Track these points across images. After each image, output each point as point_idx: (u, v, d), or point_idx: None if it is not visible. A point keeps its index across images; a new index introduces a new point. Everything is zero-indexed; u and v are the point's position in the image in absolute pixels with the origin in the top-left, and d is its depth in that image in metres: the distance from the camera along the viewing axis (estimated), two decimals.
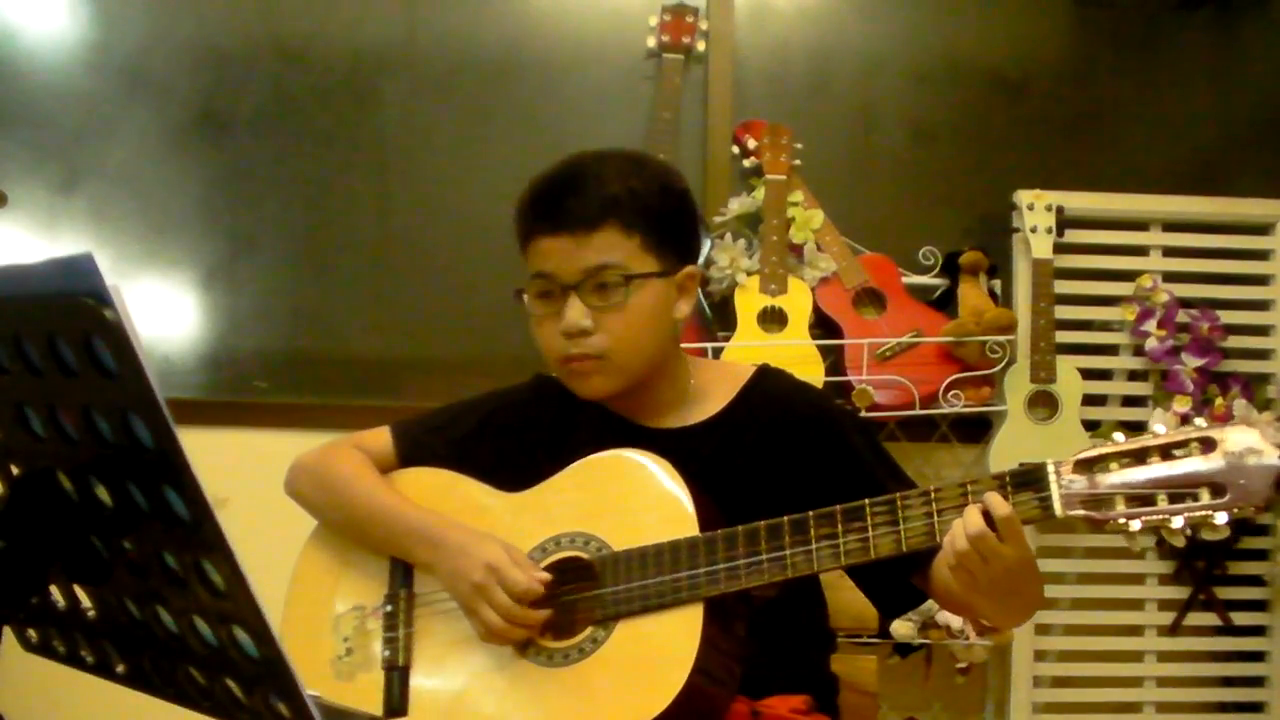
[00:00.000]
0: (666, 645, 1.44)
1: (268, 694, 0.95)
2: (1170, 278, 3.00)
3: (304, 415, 2.85)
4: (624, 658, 1.47)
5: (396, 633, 1.61)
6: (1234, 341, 2.98)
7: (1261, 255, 3.05)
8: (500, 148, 3.02)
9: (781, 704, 1.57)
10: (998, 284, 2.93)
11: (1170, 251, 3.03)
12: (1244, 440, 1.28)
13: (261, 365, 2.98)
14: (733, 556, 1.46)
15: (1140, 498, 1.31)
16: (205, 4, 3.01)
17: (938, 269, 2.96)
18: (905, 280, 2.94)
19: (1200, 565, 2.95)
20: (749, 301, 2.80)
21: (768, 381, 1.72)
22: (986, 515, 1.36)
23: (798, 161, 2.93)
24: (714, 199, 2.96)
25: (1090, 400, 2.92)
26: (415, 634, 1.61)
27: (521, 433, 1.74)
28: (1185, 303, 2.97)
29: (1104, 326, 3.01)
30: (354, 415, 2.80)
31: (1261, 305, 3.05)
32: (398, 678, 1.59)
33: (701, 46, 3.01)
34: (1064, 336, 2.91)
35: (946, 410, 2.83)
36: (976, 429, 2.95)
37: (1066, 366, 2.88)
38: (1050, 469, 1.36)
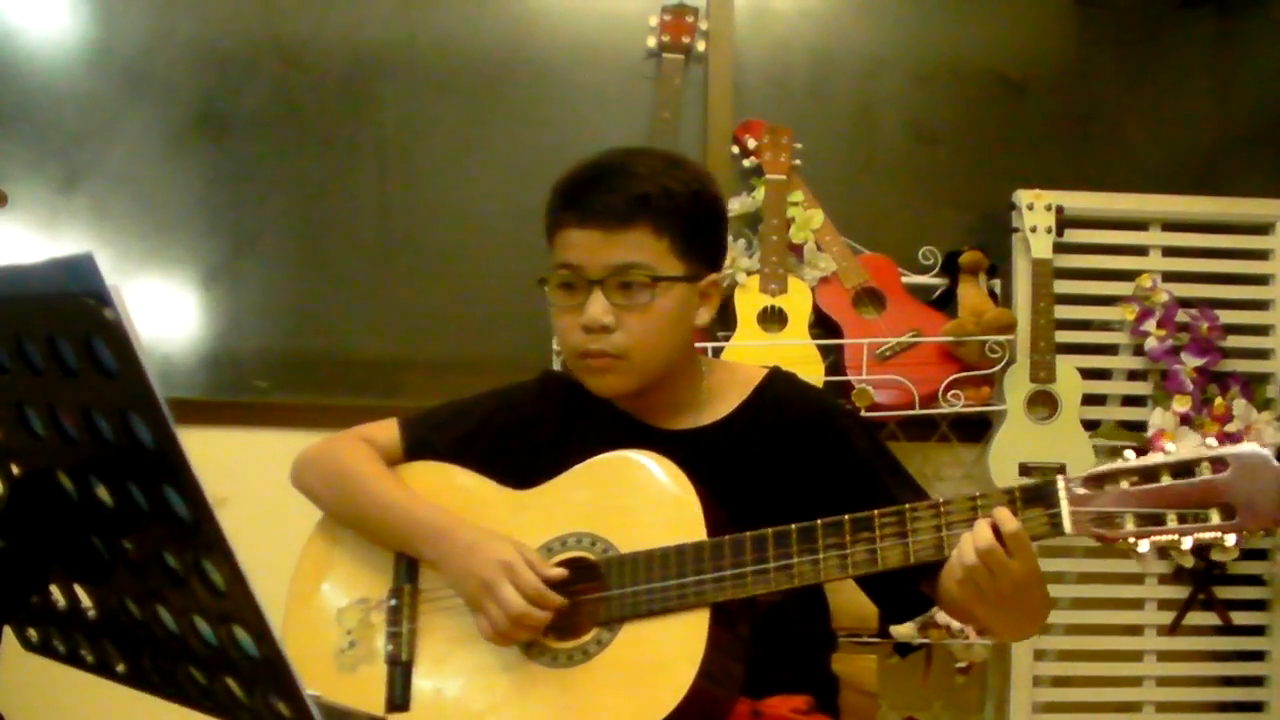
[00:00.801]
0: (672, 649, 1.44)
1: (268, 694, 0.95)
2: (1170, 278, 3.00)
3: (304, 415, 2.84)
4: (629, 661, 1.46)
5: (400, 627, 1.61)
6: (1234, 341, 2.98)
7: (1261, 255, 3.05)
8: (500, 148, 3.02)
9: (783, 704, 1.57)
10: (998, 284, 2.93)
11: (1170, 251, 3.03)
12: (1255, 459, 1.27)
13: (261, 365, 2.98)
14: (740, 563, 1.46)
15: (1150, 517, 1.31)
16: (206, 4, 3.01)
17: (938, 269, 2.96)
18: (905, 280, 2.94)
19: (1200, 565, 2.95)
20: (749, 301, 2.80)
21: (778, 385, 1.71)
22: (995, 530, 1.35)
23: (798, 161, 2.93)
24: None
25: (1090, 400, 2.92)
26: (419, 629, 1.61)
27: (528, 430, 1.73)
28: (1185, 302, 2.97)
29: (1104, 326, 3.01)
30: (354, 415, 2.77)
31: (1261, 305, 3.05)
32: (400, 673, 1.59)
33: (701, 46, 3.01)
34: (1064, 336, 2.91)
35: (946, 410, 2.83)
36: (976, 429, 2.95)
37: (1066, 366, 2.88)
38: (1060, 485, 1.35)
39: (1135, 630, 3.00)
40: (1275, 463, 1.28)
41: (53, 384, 0.93)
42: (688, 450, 1.58)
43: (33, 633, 1.16)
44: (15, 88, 2.95)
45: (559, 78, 3.05)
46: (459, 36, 3.05)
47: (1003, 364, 2.83)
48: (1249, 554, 2.99)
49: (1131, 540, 1.32)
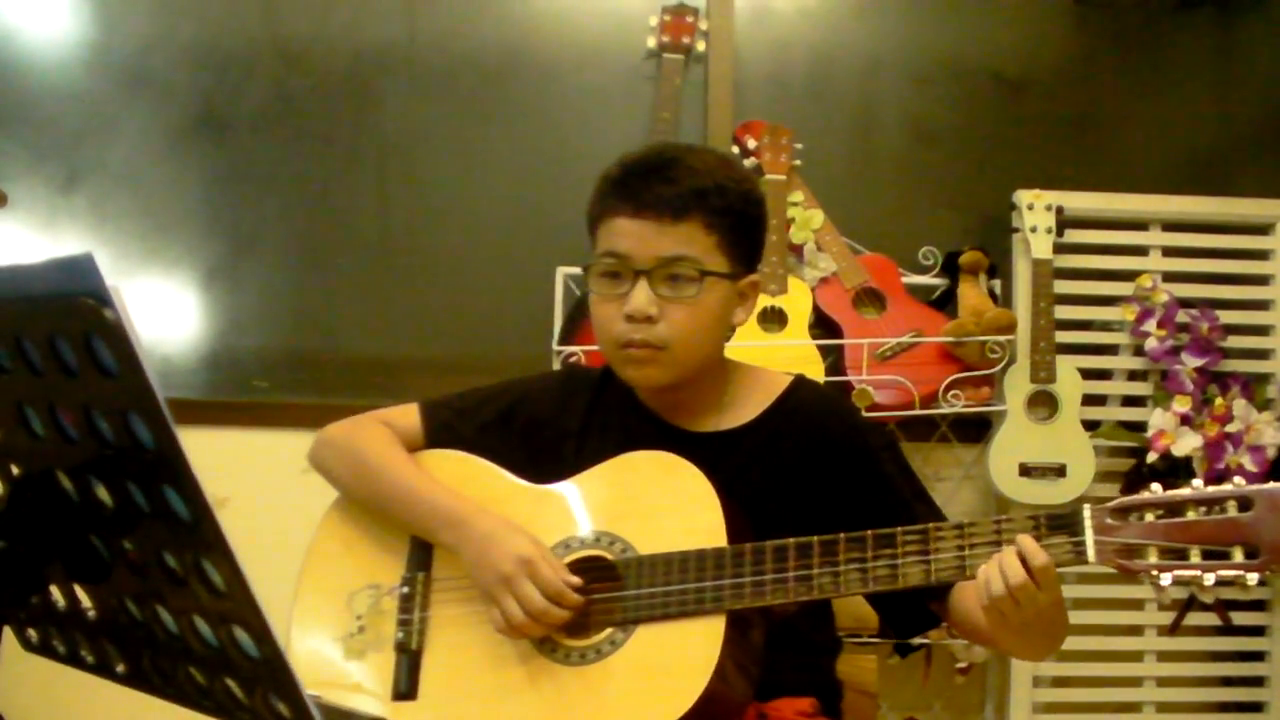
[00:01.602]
0: (686, 653, 1.43)
1: (268, 694, 0.95)
2: (1170, 278, 2.99)
3: (304, 415, 2.83)
4: (642, 662, 1.46)
5: (411, 615, 1.60)
6: (1234, 341, 2.98)
7: (1261, 255, 3.05)
8: (500, 148, 3.02)
9: (788, 707, 1.57)
10: (998, 284, 2.93)
11: (1170, 251, 3.03)
12: None
13: (261, 365, 2.98)
14: (760, 571, 1.45)
15: (1174, 551, 1.30)
16: (206, 4, 3.02)
17: (938, 269, 2.96)
18: (905, 280, 2.94)
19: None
20: None
21: (802, 393, 1.70)
22: (1023, 561, 1.34)
23: (798, 162, 2.93)
24: None
25: (1090, 400, 2.92)
26: (430, 618, 1.60)
27: (550, 424, 1.72)
28: (1185, 303, 2.96)
29: (1104, 326, 3.01)
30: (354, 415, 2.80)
31: (1261, 305, 3.05)
32: (409, 661, 1.58)
33: (701, 47, 3.01)
34: (1064, 336, 2.91)
35: (946, 410, 2.83)
36: (976, 429, 2.95)
37: (1066, 366, 2.87)
38: (1086, 514, 1.35)
39: (1135, 630, 3.00)
40: None
41: (53, 384, 0.93)
42: (709, 452, 1.58)
43: (33, 633, 1.16)
44: (15, 88, 2.95)
45: (559, 78, 3.05)
46: (459, 36, 3.05)
47: (1003, 364, 2.83)
48: (1249, 555, 2.99)
49: (1155, 574, 1.31)
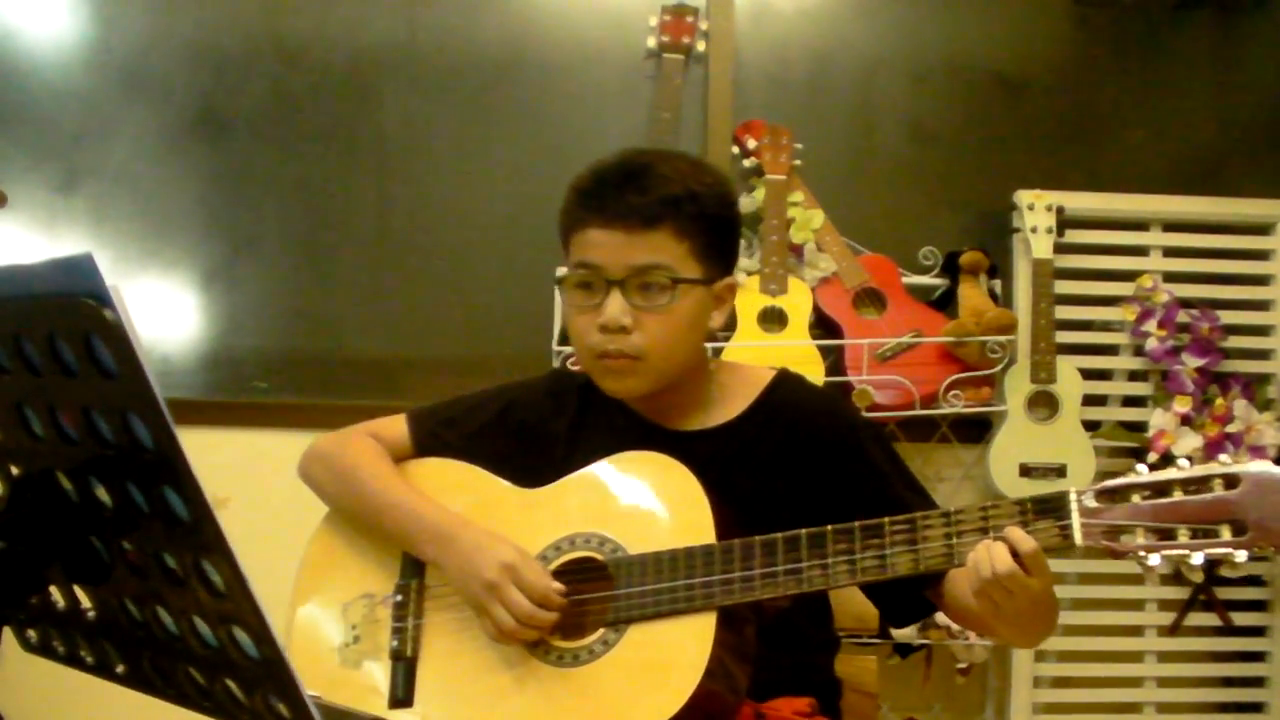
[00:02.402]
0: (678, 651, 1.44)
1: (268, 694, 0.95)
2: (1170, 278, 3.00)
3: (304, 415, 2.84)
4: (635, 661, 1.46)
5: (405, 623, 1.60)
6: (1234, 341, 2.98)
7: (1261, 255, 3.05)
8: (500, 148, 3.02)
9: (786, 706, 1.57)
10: (998, 284, 2.93)
11: (1170, 251, 3.03)
12: (1267, 477, 1.27)
13: (261, 365, 2.98)
14: (749, 567, 1.45)
15: (1161, 531, 1.31)
16: (205, 4, 3.02)
17: (938, 269, 2.96)
18: (905, 280, 2.94)
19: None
20: (749, 301, 2.80)
21: (787, 386, 1.71)
22: (1012, 550, 1.35)
23: (798, 161, 2.93)
24: None
25: (1090, 400, 2.92)
26: (425, 626, 1.60)
27: (538, 428, 1.73)
28: (1185, 303, 2.97)
29: (1104, 326, 3.01)
30: (354, 415, 2.77)
31: (1261, 305, 3.05)
32: (404, 669, 1.58)
33: (701, 46, 3.01)
34: (1064, 336, 2.91)
35: (946, 410, 2.83)
36: (976, 429, 2.95)
37: (1066, 367, 2.87)
38: (1072, 498, 1.35)
39: (1136, 631, 3.00)
40: None
41: (53, 384, 0.93)
42: (697, 451, 1.58)
43: (33, 633, 1.16)
44: (15, 88, 2.95)
45: (559, 78, 3.05)
46: (459, 36, 3.05)
47: (1003, 364, 2.83)
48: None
49: (1142, 554, 1.31)
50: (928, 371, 2.82)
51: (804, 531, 1.45)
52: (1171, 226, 3.04)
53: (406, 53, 3.04)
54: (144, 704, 1.14)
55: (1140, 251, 3.03)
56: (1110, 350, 3.02)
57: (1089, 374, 2.92)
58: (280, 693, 0.93)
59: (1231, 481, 1.28)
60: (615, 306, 1.58)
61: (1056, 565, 2.93)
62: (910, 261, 2.96)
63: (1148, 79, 3.18)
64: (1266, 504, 1.26)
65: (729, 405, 1.68)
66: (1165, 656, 3.00)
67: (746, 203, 2.90)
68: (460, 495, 1.65)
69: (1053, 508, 1.36)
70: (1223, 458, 1.33)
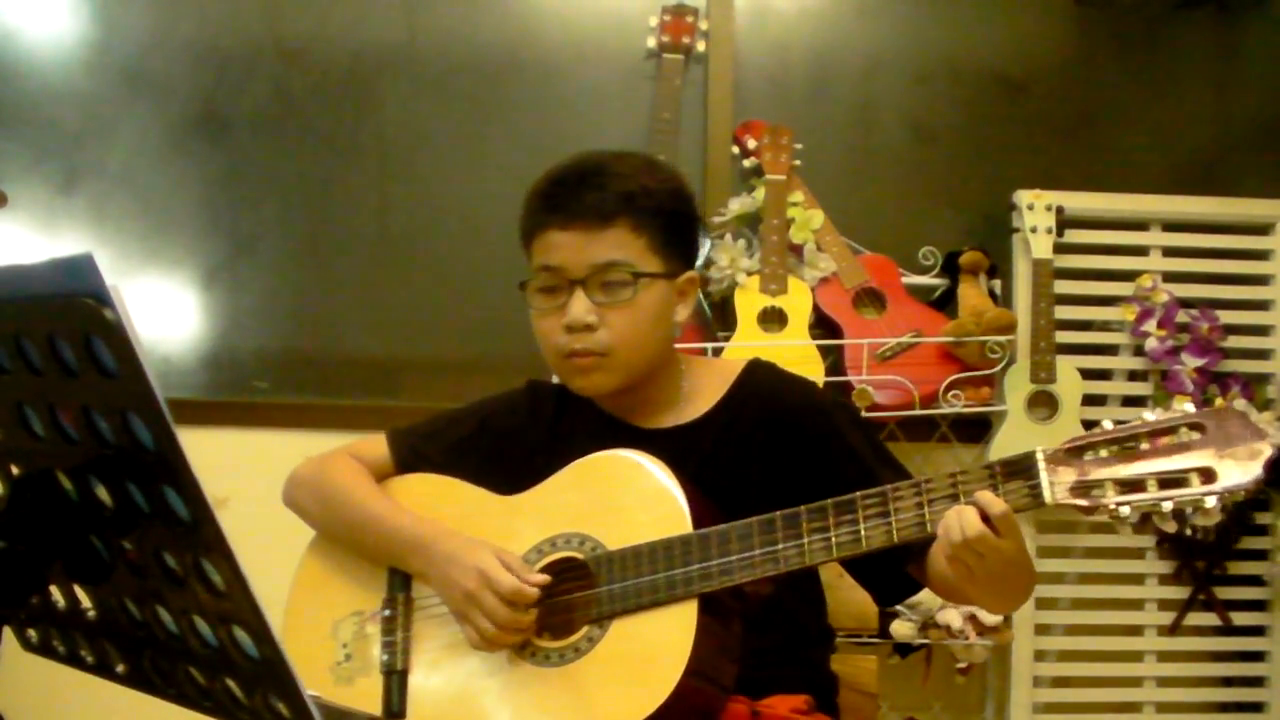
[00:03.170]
0: (661, 643, 1.45)
1: (268, 694, 0.95)
2: (1170, 278, 2.99)
3: (304, 415, 2.85)
4: (618, 656, 1.47)
5: (395, 637, 1.61)
6: (1234, 341, 2.98)
7: (1261, 255, 3.05)
8: (500, 148, 3.02)
9: (782, 704, 1.57)
10: (998, 284, 2.93)
11: (1170, 251, 3.03)
12: (1230, 421, 1.28)
13: (261, 365, 2.98)
14: (726, 552, 1.46)
15: (1130, 483, 1.31)
16: (206, 4, 3.01)
17: (938, 269, 2.96)
18: (905, 280, 2.94)
19: (1200, 565, 2.95)
20: (749, 301, 2.80)
21: (758, 375, 1.72)
22: (983, 515, 1.35)
23: (798, 161, 2.93)
24: (714, 199, 2.96)
25: (1090, 400, 2.92)
26: (413, 637, 1.61)
27: (516, 437, 1.74)
28: (1185, 303, 2.96)
29: (1104, 326, 3.01)
30: (354, 415, 2.80)
31: (1261, 305, 3.05)
32: (396, 681, 1.59)
33: (701, 47, 3.01)
34: (1064, 336, 2.91)
35: (946, 410, 2.83)
36: (976, 429, 2.95)
37: (1066, 366, 2.87)
38: (1040, 457, 1.35)
39: (1135, 631, 3.00)
40: (1250, 420, 1.28)
41: (53, 384, 0.93)
42: (673, 447, 1.59)
43: (33, 633, 1.16)
44: (15, 88, 2.95)
45: (559, 78, 3.05)
46: (459, 36, 3.05)
47: (1003, 364, 2.83)
48: (1249, 554, 2.99)
49: (1112, 507, 1.31)
50: (927, 371, 2.82)
51: (778, 513, 1.46)
52: (1171, 226, 3.04)
53: (406, 53, 3.04)
54: (144, 704, 1.14)
55: (1140, 251, 3.03)
56: (1110, 350, 3.02)
57: (1089, 374, 2.92)
58: (280, 692, 0.93)
59: (1197, 428, 1.29)
60: (579, 306, 1.60)
61: (1057, 565, 2.94)
62: (910, 261, 2.96)
63: (1148, 79, 3.18)
64: (1231, 446, 1.27)
65: (701, 400, 1.69)
66: (1165, 656, 3.00)
67: (747, 203, 2.91)
68: (443, 507, 1.66)
69: (1021, 469, 1.36)
70: (1187, 406, 1.33)
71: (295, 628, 1.70)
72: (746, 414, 1.67)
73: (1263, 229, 3.04)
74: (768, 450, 1.64)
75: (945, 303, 2.94)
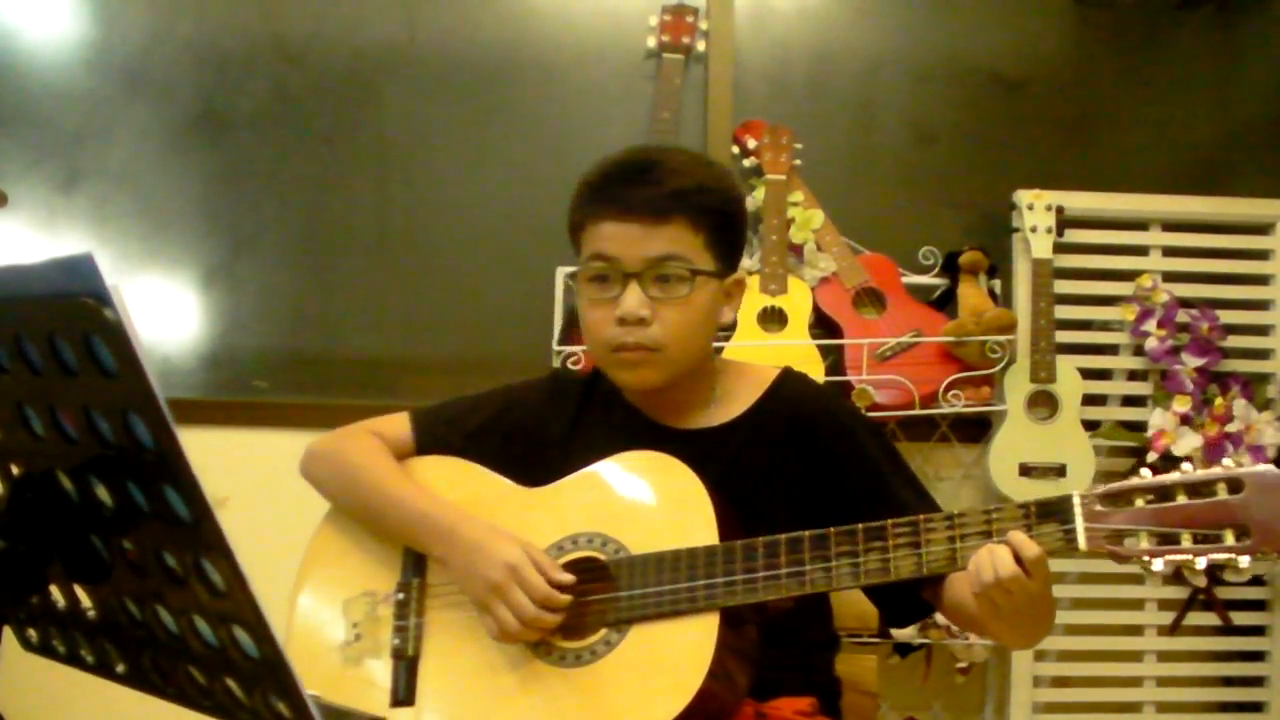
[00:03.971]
0: (681, 652, 1.44)
1: (268, 694, 0.95)
2: (1170, 278, 3.00)
3: (304, 415, 2.84)
4: (637, 662, 1.46)
5: (407, 622, 1.60)
6: (1234, 341, 2.98)
7: (1261, 255, 3.05)
8: (500, 147, 3.02)
9: (787, 706, 1.57)
10: (998, 284, 2.93)
11: (1170, 251, 3.03)
12: (1271, 481, 1.26)
13: (261, 365, 2.98)
14: (751, 568, 1.45)
15: (1164, 536, 1.30)
16: (205, 4, 3.01)
17: (938, 269, 2.96)
18: (905, 280, 2.94)
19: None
20: (749, 301, 2.79)
21: (790, 385, 1.71)
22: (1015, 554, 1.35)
23: (798, 161, 2.93)
24: None
25: (1090, 400, 2.92)
26: (426, 624, 1.60)
27: (539, 428, 1.73)
28: (1185, 303, 2.96)
29: (1104, 326, 3.01)
30: (354, 415, 2.77)
31: (1261, 305, 3.05)
32: (406, 668, 1.58)
33: (701, 46, 3.01)
34: (1064, 336, 2.91)
35: (946, 410, 2.83)
36: (976, 429, 2.95)
37: (1066, 366, 2.87)
38: (1076, 501, 1.35)
39: (1135, 630, 3.00)
40: None
41: (53, 384, 0.93)
42: (699, 449, 1.58)
43: (33, 633, 1.16)
44: (15, 88, 2.95)
45: (559, 78, 3.05)
46: (459, 36, 3.05)
47: (1003, 364, 2.83)
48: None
49: (1146, 559, 1.31)
50: (927, 371, 2.82)
51: (807, 533, 1.45)
52: (1171, 226, 3.04)
53: (406, 53, 3.04)
54: (144, 704, 1.14)
55: (1140, 251, 3.03)
56: (1110, 350, 3.02)
57: (1089, 374, 2.92)
58: (280, 692, 0.93)
59: (1235, 485, 1.28)
60: (634, 298, 1.57)
61: (1056, 565, 2.93)
62: (910, 261, 2.96)
63: (1148, 79, 3.18)
64: (1270, 507, 1.26)
65: (732, 404, 1.68)
66: (1165, 656, 3.00)
67: (747, 203, 2.90)
68: (461, 493, 1.65)
69: (1056, 511, 1.35)
70: (1226, 461, 1.32)
71: (306, 602, 1.68)
72: (774, 423, 1.66)
73: (1263, 229, 3.04)
74: (793, 461, 1.63)
75: (945, 303, 2.94)
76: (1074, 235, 2.96)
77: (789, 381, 1.72)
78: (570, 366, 2.66)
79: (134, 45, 3.00)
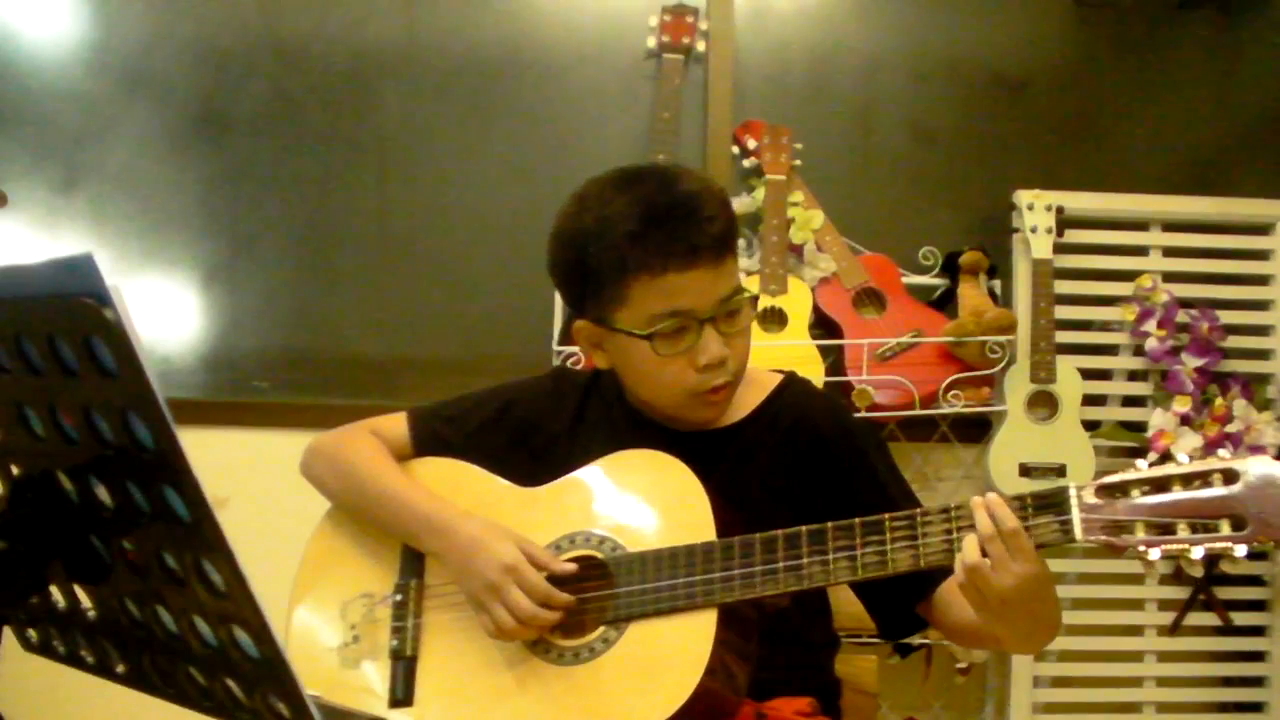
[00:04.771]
0: (679, 649, 1.44)
1: (268, 694, 0.95)
2: (1170, 278, 3.00)
3: (304, 415, 2.84)
4: (635, 659, 1.46)
5: (405, 622, 1.60)
6: (1234, 341, 2.98)
7: (1261, 255, 3.05)
8: (500, 148, 3.02)
9: (787, 706, 1.57)
10: (998, 284, 2.93)
11: (1170, 251, 3.03)
12: (1266, 472, 1.27)
13: (261, 365, 2.98)
14: (749, 564, 1.45)
15: (1161, 526, 1.31)
16: (205, 4, 3.01)
17: (938, 269, 2.96)
18: (905, 280, 2.94)
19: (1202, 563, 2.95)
20: None
21: (792, 391, 1.71)
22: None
23: (798, 161, 2.93)
24: None
25: (1090, 400, 2.92)
26: (424, 625, 1.60)
27: (539, 427, 1.73)
28: (1185, 303, 2.97)
29: (1104, 326, 3.01)
30: (354, 415, 2.76)
31: (1261, 305, 3.05)
32: (404, 668, 1.58)
33: (701, 47, 3.01)
34: (1064, 336, 2.91)
35: (946, 410, 2.83)
36: (976, 429, 2.95)
37: (1066, 366, 2.87)
38: (1072, 492, 1.34)
39: (1135, 631, 3.00)
40: None
41: (53, 384, 0.93)
42: (700, 450, 1.58)
43: (33, 633, 1.16)
44: (15, 88, 2.95)
45: (559, 78, 3.05)
46: (459, 36, 3.05)
47: (1003, 364, 2.83)
48: (1249, 554, 2.99)
49: (1142, 549, 1.31)
50: (928, 371, 2.82)
51: (804, 528, 1.45)
52: (1171, 226, 3.04)
53: (406, 53, 3.04)
54: (144, 704, 1.14)
55: (1140, 251, 3.03)
56: (1110, 350, 3.02)
57: (1089, 374, 2.92)
58: (280, 692, 0.93)
59: (1230, 476, 1.28)
60: (716, 345, 1.56)
61: (1057, 565, 2.93)
62: (910, 261, 2.96)
63: (1148, 79, 3.18)
64: (1265, 498, 1.26)
65: (736, 407, 1.68)
66: (1165, 656, 3.00)
67: (747, 203, 2.91)
68: (459, 493, 1.65)
69: (1052, 503, 1.35)
70: (1221, 453, 1.33)
71: (304, 604, 1.68)
72: (777, 427, 1.66)
73: (1263, 229, 3.05)
74: (792, 465, 1.63)
75: (945, 303, 2.94)
76: (1074, 235, 2.97)
77: (793, 387, 1.72)
78: (570, 365, 2.65)
79: (134, 45, 3.00)
